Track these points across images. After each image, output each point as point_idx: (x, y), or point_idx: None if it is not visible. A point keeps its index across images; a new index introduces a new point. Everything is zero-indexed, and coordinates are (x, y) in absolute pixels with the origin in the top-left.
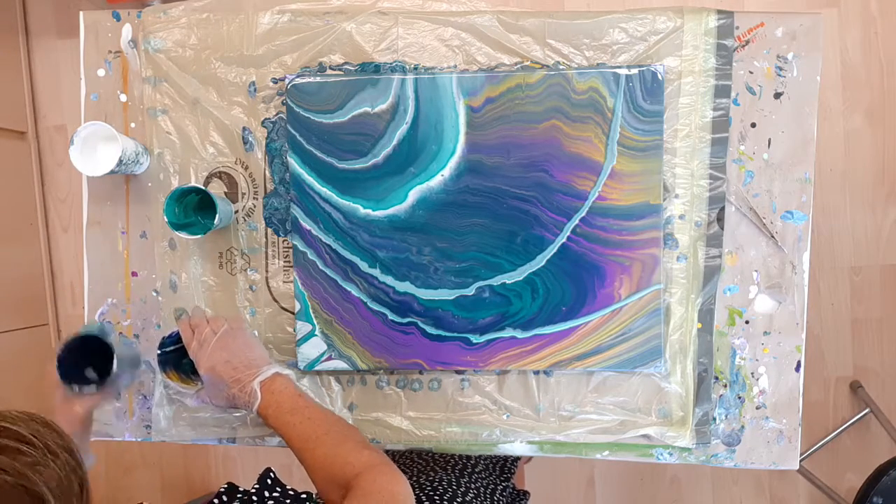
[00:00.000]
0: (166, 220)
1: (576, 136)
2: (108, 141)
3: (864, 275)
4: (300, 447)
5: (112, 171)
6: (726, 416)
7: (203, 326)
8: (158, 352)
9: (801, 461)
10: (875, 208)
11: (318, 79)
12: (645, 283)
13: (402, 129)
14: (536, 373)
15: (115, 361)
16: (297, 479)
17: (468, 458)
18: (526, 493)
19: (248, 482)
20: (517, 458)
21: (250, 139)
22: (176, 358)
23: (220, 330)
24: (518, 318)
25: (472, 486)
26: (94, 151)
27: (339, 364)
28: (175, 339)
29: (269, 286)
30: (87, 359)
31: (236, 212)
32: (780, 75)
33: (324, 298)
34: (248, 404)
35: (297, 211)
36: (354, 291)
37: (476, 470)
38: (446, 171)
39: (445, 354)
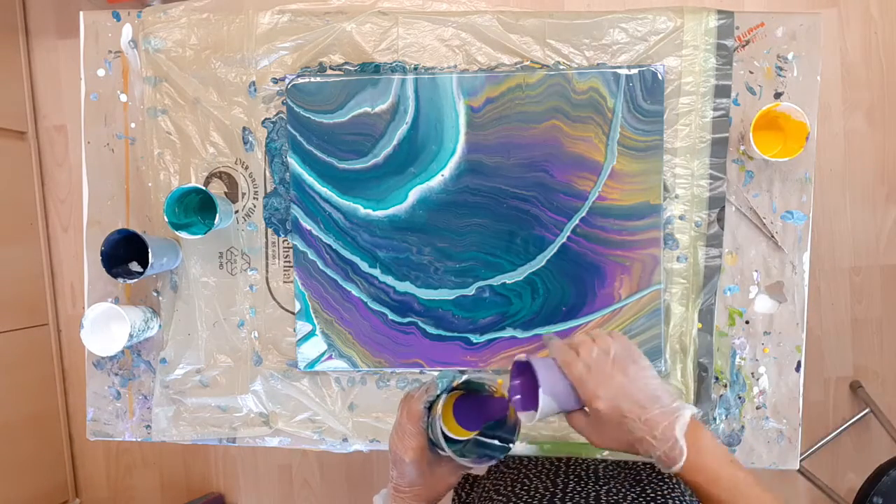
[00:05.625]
0: (166, 220)
1: (576, 136)
2: (116, 317)
3: (864, 275)
4: None
5: (126, 346)
6: (726, 416)
7: (588, 344)
8: (437, 395)
9: (801, 461)
10: (875, 208)
11: (318, 79)
12: (645, 284)
13: (402, 129)
14: None
15: (150, 253)
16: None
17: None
18: None
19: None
20: None
21: (250, 139)
22: (467, 404)
23: (610, 348)
24: (518, 318)
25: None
26: (106, 329)
27: (340, 364)
28: (450, 379)
29: (269, 286)
30: (127, 253)
31: (236, 212)
32: (780, 75)
33: (324, 298)
34: (662, 457)
35: (297, 211)
36: (355, 291)
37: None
38: (446, 171)
39: (446, 354)
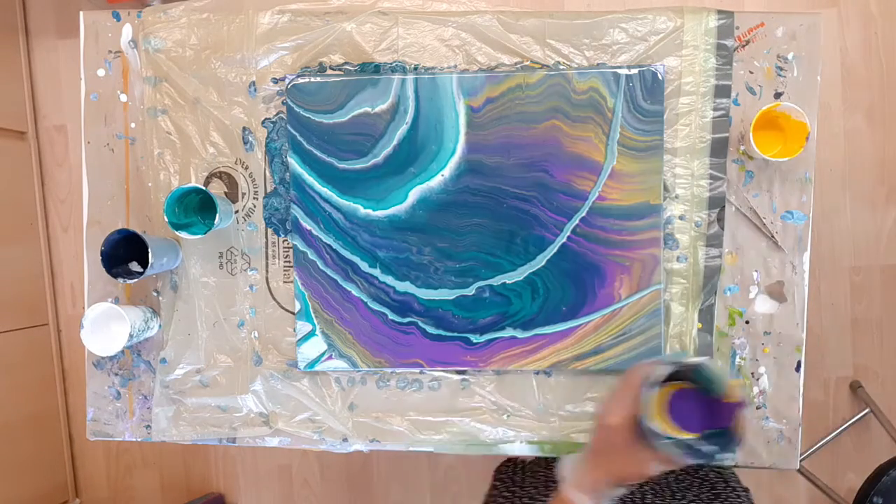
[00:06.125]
0: (166, 220)
1: (576, 136)
2: (116, 317)
3: (864, 275)
4: None
5: (126, 346)
6: None
7: None
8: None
9: (801, 461)
10: (875, 208)
11: (318, 79)
12: (645, 284)
13: (402, 129)
14: (537, 373)
15: (150, 253)
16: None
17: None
18: None
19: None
20: None
21: (250, 139)
22: (690, 401)
23: None
24: (518, 317)
25: None
26: (106, 329)
27: (340, 364)
28: (679, 361)
29: (269, 286)
30: (127, 253)
31: (236, 212)
32: (780, 75)
33: (324, 298)
34: None
35: (297, 211)
36: (355, 291)
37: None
38: (446, 171)
39: (445, 354)
